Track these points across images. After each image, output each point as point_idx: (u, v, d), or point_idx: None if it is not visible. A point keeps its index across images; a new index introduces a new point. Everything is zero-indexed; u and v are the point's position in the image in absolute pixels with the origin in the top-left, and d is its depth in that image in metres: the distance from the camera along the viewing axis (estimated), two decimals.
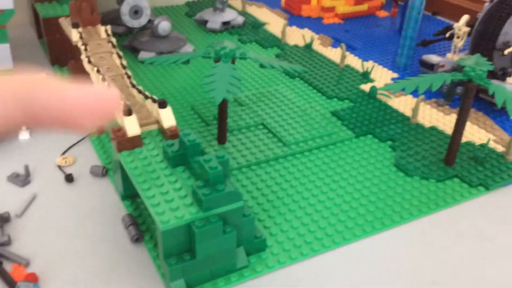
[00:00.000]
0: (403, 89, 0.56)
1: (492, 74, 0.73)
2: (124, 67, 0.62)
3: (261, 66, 0.60)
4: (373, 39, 1.01)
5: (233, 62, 0.58)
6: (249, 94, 0.77)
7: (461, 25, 0.77)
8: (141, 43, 0.88)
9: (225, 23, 1.01)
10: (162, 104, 0.51)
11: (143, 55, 0.86)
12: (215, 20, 1.00)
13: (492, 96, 0.55)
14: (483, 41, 0.74)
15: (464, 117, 0.58)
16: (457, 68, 0.71)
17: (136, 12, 0.84)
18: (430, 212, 0.56)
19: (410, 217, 0.55)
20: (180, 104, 0.74)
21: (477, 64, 0.57)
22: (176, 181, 0.46)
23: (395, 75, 0.86)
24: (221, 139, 0.64)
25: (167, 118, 0.51)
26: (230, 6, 1.11)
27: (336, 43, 0.98)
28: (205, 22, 1.02)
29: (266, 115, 0.72)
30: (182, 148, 0.47)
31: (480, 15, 0.75)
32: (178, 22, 1.05)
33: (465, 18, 0.77)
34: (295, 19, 1.10)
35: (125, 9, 0.83)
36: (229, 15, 1.02)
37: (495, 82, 0.71)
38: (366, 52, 0.95)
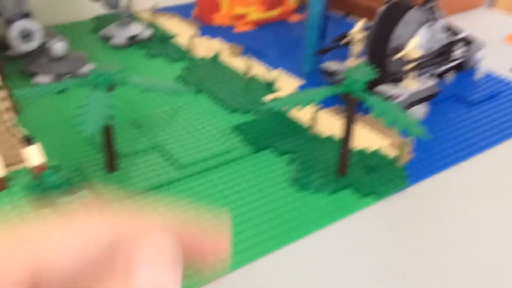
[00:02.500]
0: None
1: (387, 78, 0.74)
2: None
3: (144, 90, 0.59)
4: (284, 46, 1.01)
5: (111, 89, 0.56)
6: (148, 113, 0.75)
7: (356, 31, 0.77)
8: (38, 66, 0.84)
9: (132, 38, 0.99)
10: (28, 141, 0.48)
11: (39, 79, 0.82)
12: (120, 35, 0.97)
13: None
14: (377, 46, 0.74)
15: (349, 129, 0.58)
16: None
17: (27, 35, 0.80)
18: (324, 226, 0.56)
19: (306, 232, 0.55)
20: (69, 132, 0.71)
21: (360, 75, 0.57)
22: None
23: (301, 82, 0.86)
24: (111, 167, 0.62)
25: (34, 155, 0.48)
26: (138, 19, 1.09)
27: (246, 51, 0.98)
28: (110, 38, 0.99)
29: (165, 135, 0.70)
30: (45, 188, 0.44)
31: (374, 19, 0.76)
32: (81, 40, 1.01)
33: (360, 23, 0.78)
34: (207, 28, 1.08)
35: (13, 33, 0.79)
36: (135, 29, 0.99)
37: (388, 87, 0.72)
38: (275, 60, 0.94)
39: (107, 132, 0.59)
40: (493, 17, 1.16)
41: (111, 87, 0.56)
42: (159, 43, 1.00)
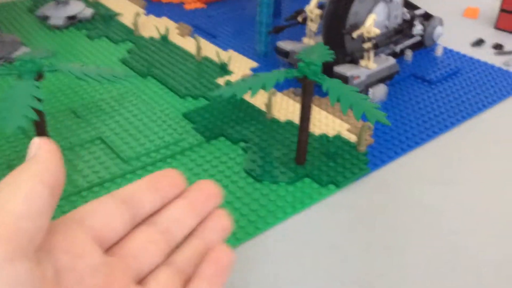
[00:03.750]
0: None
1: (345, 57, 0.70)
2: None
3: (78, 78, 0.52)
4: (237, 25, 0.95)
5: (40, 78, 0.50)
6: (89, 102, 0.69)
7: (312, 8, 0.73)
8: None
9: (71, 18, 0.91)
10: None
11: None
12: (58, 15, 0.89)
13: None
14: (334, 23, 0.70)
15: (306, 114, 0.54)
16: None
17: None
18: (284, 219, 0.52)
19: (265, 226, 0.51)
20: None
21: (316, 56, 0.53)
22: None
23: (255, 64, 0.81)
24: None
25: None
26: None
27: (197, 31, 0.92)
28: (48, 18, 0.90)
29: (106, 126, 0.64)
30: None
31: None
32: (16, 21, 0.93)
33: (315, 0, 0.73)
34: (154, 6, 1.01)
35: None
36: (74, 8, 0.91)
37: (346, 67, 0.68)
38: (228, 40, 0.89)
39: (39, 126, 0.53)
40: None
41: (39, 75, 0.50)
42: (101, 23, 0.92)
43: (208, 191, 0.27)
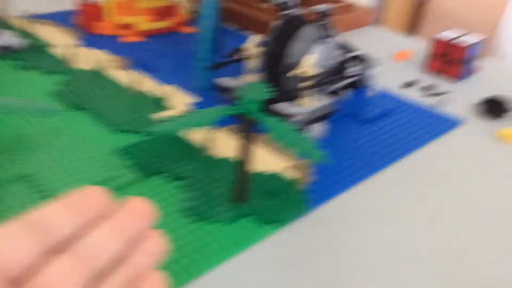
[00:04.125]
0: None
1: (284, 96, 0.71)
2: None
3: (4, 112, 0.49)
4: (176, 59, 0.95)
5: None
6: (13, 136, 0.65)
7: (250, 46, 0.73)
8: None
9: (2, 48, 0.86)
10: None
11: None
12: None
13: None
14: (272, 62, 0.71)
15: (246, 151, 0.53)
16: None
17: None
18: (223, 260, 0.51)
19: (203, 269, 0.49)
20: None
21: (256, 94, 0.53)
22: None
23: (194, 99, 0.80)
24: None
25: None
26: (9, 27, 0.96)
27: (135, 65, 0.90)
28: None
29: (36, 162, 0.60)
30: None
31: (268, 35, 0.72)
32: None
33: (254, 38, 0.74)
34: (90, 39, 0.99)
35: None
36: (5, 38, 0.87)
37: (285, 105, 0.69)
38: (167, 74, 0.88)
39: None
40: (381, 35, 1.20)
41: None
42: (33, 54, 0.88)
43: (137, 210, 0.24)
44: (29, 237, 0.20)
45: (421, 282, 0.51)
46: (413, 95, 0.89)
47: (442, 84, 0.95)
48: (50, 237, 0.21)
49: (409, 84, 0.93)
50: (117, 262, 0.23)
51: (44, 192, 0.55)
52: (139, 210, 0.24)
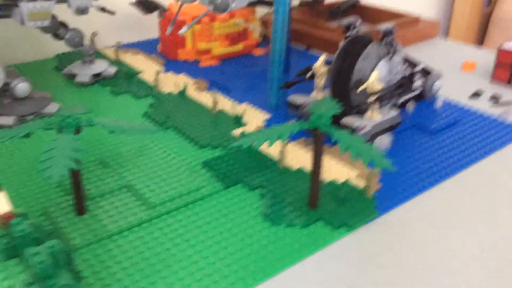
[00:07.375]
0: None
1: (351, 109, 0.76)
2: None
3: (111, 132, 0.58)
4: (249, 79, 1.02)
5: (78, 131, 0.56)
6: (115, 153, 0.74)
7: (318, 65, 0.79)
8: (0, 107, 0.83)
9: (96, 75, 0.98)
10: None
11: (1, 120, 0.80)
12: (84, 73, 0.97)
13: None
14: (339, 79, 0.76)
15: (318, 162, 0.59)
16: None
17: None
18: (298, 260, 0.56)
19: (281, 267, 0.55)
20: (34, 176, 0.69)
21: (325, 109, 0.59)
22: (6, 278, 0.42)
23: (267, 116, 0.87)
24: (80, 210, 0.60)
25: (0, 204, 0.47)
26: (102, 56, 1.08)
27: (212, 86, 0.98)
28: (74, 76, 0.98)
29: (132, 175, 0.69)
30: (12, 238, 0.43)
31: (336, 54, 0.78)
32: (45, 78, 1.00)
33: (322, 58, 0.80)
34: (171, 64, 1.09)
35: None
36: (99, 66, 0.99)
37: (352, 119, 0.74)
38: (241, 94, 0.96)
39: (75, 175, 0.58)
40: (448, 46, 1.21)
41: (78, 129, 0.56)
42: (124, 80, 0.99)
43: None
44: None
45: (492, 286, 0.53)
46: (481, 106, 0.91)
47: (510, 93, 0.96)
48: None
49: (476, 94, 0.95)
50: None
51: (141, 201, 0.64)
52: None
